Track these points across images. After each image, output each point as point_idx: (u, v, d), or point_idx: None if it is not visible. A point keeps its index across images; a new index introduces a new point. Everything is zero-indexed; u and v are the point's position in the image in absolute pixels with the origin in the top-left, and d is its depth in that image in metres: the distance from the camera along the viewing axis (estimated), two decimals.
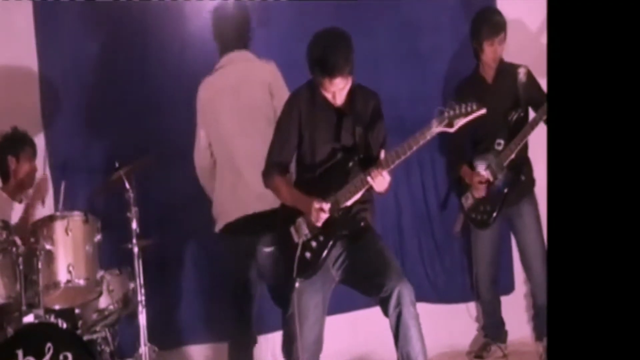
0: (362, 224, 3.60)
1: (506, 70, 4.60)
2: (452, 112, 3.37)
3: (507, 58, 4.65)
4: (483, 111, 3.39)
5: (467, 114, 3.37)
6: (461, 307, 5.04)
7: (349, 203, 3.49)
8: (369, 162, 3.47)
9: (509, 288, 5.08)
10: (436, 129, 3.37)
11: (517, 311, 5.02)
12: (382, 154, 3.42)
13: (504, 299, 4.95)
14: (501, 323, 4.89)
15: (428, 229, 5.07)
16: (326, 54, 3.38)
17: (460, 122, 3.38)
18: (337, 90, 3.45)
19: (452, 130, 3.39)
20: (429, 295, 4.96)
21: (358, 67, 4.48)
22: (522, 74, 4.51)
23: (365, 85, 3.85)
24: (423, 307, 4.57)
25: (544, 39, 4.79)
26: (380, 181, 3.40)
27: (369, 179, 3.40)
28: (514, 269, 5.08)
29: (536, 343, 4.85)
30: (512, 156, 4.46)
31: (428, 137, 3.39)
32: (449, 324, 4.95)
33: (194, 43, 4.77)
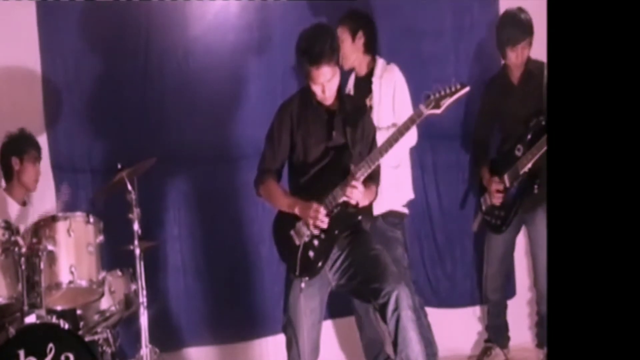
0: (358, 221, 3.67)
1: (533, 72, 4.52)
2: (437, 95, 3.54)
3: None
4: (467, 89, 3.57)
5: (452, 93, 3.56)
6: (462, 311, 5.05)
7: (345, 198, 3.54)
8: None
9: (510, 293, 5.08)
10: (426, 111, 3.55)
11: (519, 317, 5.01)
12: (352, 167, 3.54)
13: None
14: (505, 327, 4.87)
15: (430, 233, 5.06)
16: (311, 43, 3.53)
17: (446, 103, 3.57)
18: (325, 81, 3.55)
19: (439, 111, 3.57)
20: (430, 299, 4.96)
21: None
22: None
23: None
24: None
25: (541, 52, 4.83)
26: (354, 193, 3.50)
27: (346, 194, 3.51)
28: (515, 275, 5.08)
29: (537, 350, 4.85)
30: (529, 165, 4.42)
31: (417, 121, 3.58)
32: (450, 329, 4.94)
33: (198, 43, 4.78)
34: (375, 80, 4.41)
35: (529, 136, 4.45)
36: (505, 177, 4.52)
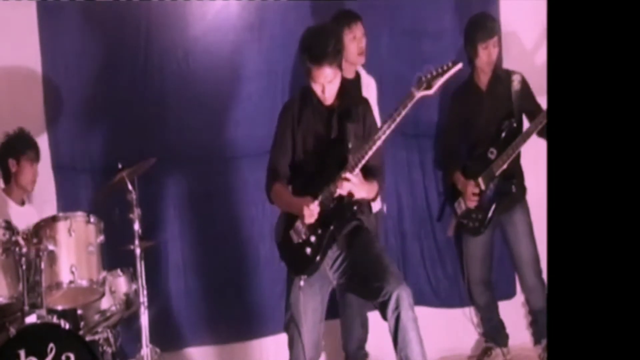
0: (356, 223, 3.65)
1: (500, 77, 4.61)
2: (429, 75, 3.45)
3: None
4: (459, 66, 3.46)
5: (443, 73, 3.45)
6: (462, 311, 5.04)
7: (339, 191, 3.52)
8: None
9: (510, 293, 5.08)
10: (417, 93, 3.44)
11: (517, 317, 5.02)
12: (350, 158, 3.50)
13: (505, 304, 4.96)
14: (501, 326, 4.88)
15: (430, 233, 5.07)
16: (313, 42, 3.53)
17: (438, 83, 3.45)
18: (326, 82, 3.54)
19: (431, 92, 3.46)
20: (430, 299, 4.98)
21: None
22: (516, 81, 4.53)
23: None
24: (425, 312, 4.61)
25: (541, 53, 4.88)
26: (345, 185, 3.47)
27: (337, 185, 3.49)
28: (515, 275, 5.08)
29: (535, 347, 4.85)
30: (504, 167, 4.48)
31: (409, 105, 3.44)
32: (450, 329, 4.96)
33: (198, 43, 4.78)
34: (363, 88, 4.48)
35: (502, 138, 4.50)
36: (480, 180, 4.55)
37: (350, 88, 4.37)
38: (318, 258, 3.57)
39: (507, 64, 4.91)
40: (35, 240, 3.89)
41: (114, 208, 4.26)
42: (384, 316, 3.48)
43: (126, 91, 4.79)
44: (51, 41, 4.69)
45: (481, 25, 4.56)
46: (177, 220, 4.84)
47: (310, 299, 3.63)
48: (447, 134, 4.80)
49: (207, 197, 4.85)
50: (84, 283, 3.94)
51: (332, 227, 3.57)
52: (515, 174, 4.56)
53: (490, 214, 4.56)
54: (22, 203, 4.43)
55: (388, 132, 3.45)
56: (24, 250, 3.79)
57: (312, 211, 3.47)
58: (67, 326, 3.82)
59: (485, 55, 4.55)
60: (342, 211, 3.57)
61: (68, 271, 3.90)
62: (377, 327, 4.52)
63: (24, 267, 3.78)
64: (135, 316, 4.21)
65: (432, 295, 5.02)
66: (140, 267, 4.17)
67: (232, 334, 4.86)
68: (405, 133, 4.74)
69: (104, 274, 4.06)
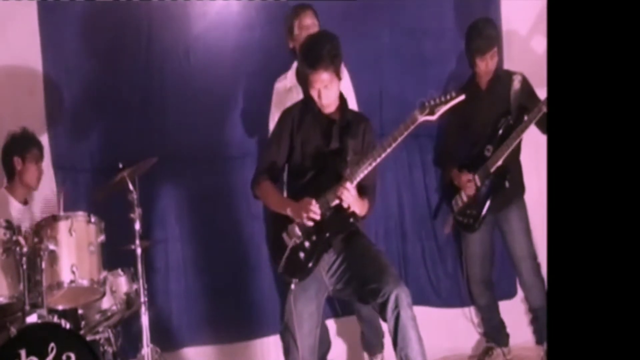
0: (352, 225, 3.66)
1: (501, 77, 4.63)
2: (432, 102, 3.53)
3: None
4: (462, 97, 3.55)
5: (447, 101, 3.54)
6: (463, 311, 5.04)
7: (337, 201, 3.55)
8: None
9: (511, 293, 5.08)
10: (420, 117, 3.51)
11: (518, 316, 5.02)
12: (347, 170, 3.53)
13: (506, 304, 4.96)
14: (502, 326, 4.88)
15: (431, 233, 5.06)
16: (310, 47, 3.59)
17: (441, 110, 3.54)
18: (322, 87, 3.57)
19: (433, 118, 3.55)
20: (431, 299, 4.98)
21: (362, 70, 4.56)
22: (516, 81, 4.54)
23: (368, 87, 4.05)
24: (426, 311, 4.62)
25: (537, 46, 4.87)
26: (346, 195, 3.49)
27: (338, 194, 3.52)
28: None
29: (537, 347, 4.85)
30: (499, 163, 4.49)
31: (411, 127, 3.52)
32: (451, 328, 4.96)
33: (199, 42, 4.79)
34: None
35: (498, 135, 4.52)
36: (476, 177, 4.55)
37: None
38: (311, 264, 3.59)
39: (507, 62, 4.91)
40: (36, 240, 3.89)
41: (114, 208, 4.27)
42: (383, 317, 3.50)
43: (127, 90, 4.80)
44: (52, 41, 4.70)
45: (479, 35, 4.55)
46: (177, 220, 4.85)
47: (307, 305, 3.64)
48: (447, 133, 4.80)
49: (208, 197, 4.85)
50: (85, 283, 3.94)
51: (327, 235, 3.59)
52: (510, 170, 4.55)
53: (484, 210, 4.57)
54: (25, 202, 4.44)
55: (389, 150, 3.51)
56: (25, 249, 3.79)
57: (315, 209, 3.49)
58: (67, 326, 3.82)
59: (483, 66, 4.59)
60: (339, 220, 3.59)
61: (69, 271, 3.89)
62: None
63: (24, 266, 3.78)
64: (136, 316, 4.21)
65: (433, 294, 5.02)
66: (141, 266, 4.17)
67: (233, 334, 4.86)
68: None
69: (104, 273, 4.05)
